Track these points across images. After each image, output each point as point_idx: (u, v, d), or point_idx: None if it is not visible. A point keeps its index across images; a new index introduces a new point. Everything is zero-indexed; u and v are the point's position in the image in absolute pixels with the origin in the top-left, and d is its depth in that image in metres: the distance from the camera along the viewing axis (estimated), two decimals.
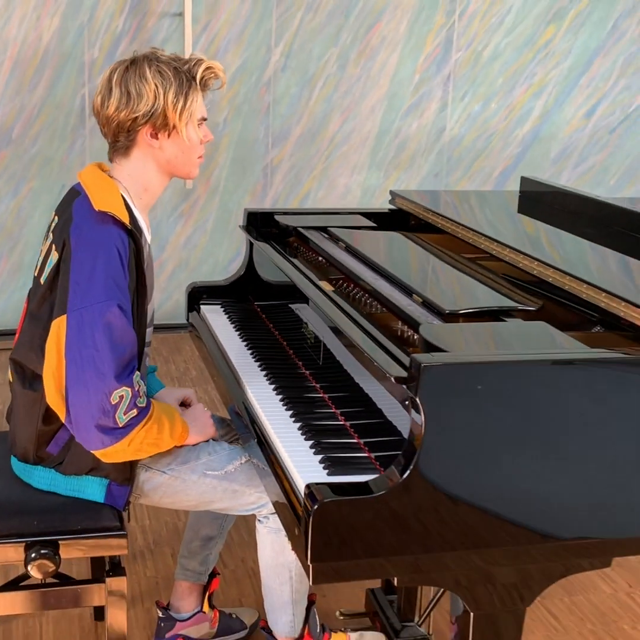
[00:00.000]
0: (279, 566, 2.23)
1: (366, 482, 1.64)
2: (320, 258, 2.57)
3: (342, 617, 2.56)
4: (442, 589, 2.34)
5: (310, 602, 2.35)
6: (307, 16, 5.00)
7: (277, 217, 2.86)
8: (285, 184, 5.22)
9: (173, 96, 2.00)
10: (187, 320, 2.89)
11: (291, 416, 2.07)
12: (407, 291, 2.10)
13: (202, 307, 2.86)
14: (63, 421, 1.96)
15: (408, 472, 1.60)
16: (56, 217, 2.09)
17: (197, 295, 2.89)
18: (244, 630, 2.54)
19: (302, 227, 2.72)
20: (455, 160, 5.40)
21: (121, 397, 1.88)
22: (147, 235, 2.11)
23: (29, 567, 1.97)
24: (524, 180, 3.12)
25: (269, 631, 2.33)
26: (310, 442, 1.93)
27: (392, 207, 3.04)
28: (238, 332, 2.64)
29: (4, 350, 4.74)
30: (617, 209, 2.68)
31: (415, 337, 1.93)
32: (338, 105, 5.17)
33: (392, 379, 1.69)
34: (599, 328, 1.98)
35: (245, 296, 2.90)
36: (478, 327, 1.87)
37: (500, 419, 1.64)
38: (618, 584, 2.91)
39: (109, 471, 2.03)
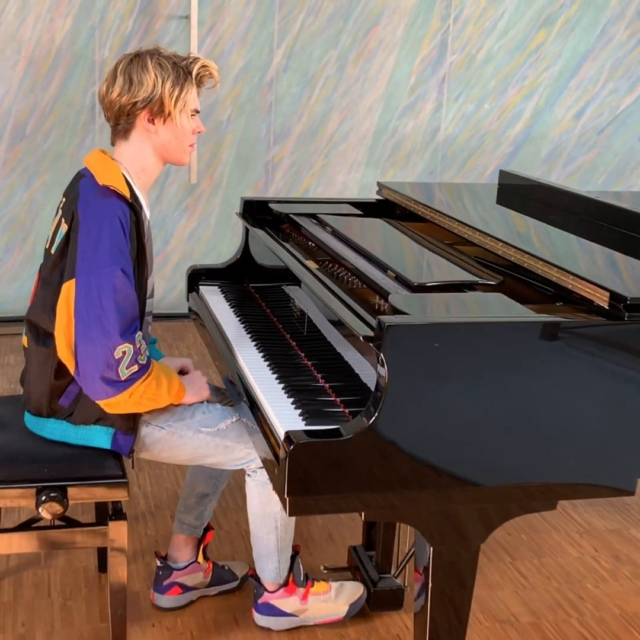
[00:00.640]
0: (266, 516, 2.46)
1: (337, 428, 1.88)
2: (310, 243, 2.80)
3: (325, 571, 2.78)
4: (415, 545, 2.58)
5: (295, 552, 2.58)
6: (308, 19, 5.24)
7: (271, 205, 3.10)
8: (285, 180, 5.46)
9: (170, 85, 2.26)
10: (187, 299, 3.13)
11: (276, 378, 2.30)
12: (383, 268, 2.33)
13: (200, 288, 3.10)
14: (72, 374, 2.21)
15: (373, 418, 1.84)
16: (64, 198, 2.34)
17: (197, 277, 3.13)
18: (235, 581, 2.77)
19: (294, 214, 2.96)
20: (449, 159, 5.62)
21: (124, 352, 2.13)
22: (146, 211, 2.35)
23: (40, 509, 2.20)
24: (502, 174, 3.35)
25: (257, 578, 2.57)
26: (291, 399, 2.16)
27: (379, 197, 3.27)
28: (233, 310, 2.87)
29: (17, 336, 4.98)
30: (583, 199, 2.91)
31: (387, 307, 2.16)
32: (337, 105, 5.40)
33: (361, 337, 1.92)
34: (559, 303, 2.21)
35: (241, 278, 3.14)
36: (440, 297, 2.10)
37: (455, 372, 1.87)
38: (585, 549, 3.14)
39: (114, 420, 2.27)
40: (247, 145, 5.33)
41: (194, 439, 2.36)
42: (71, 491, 2.23)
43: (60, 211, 2.32)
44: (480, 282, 2.21)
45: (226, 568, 2.76)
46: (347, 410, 2.11)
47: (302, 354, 2.47)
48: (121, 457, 2.33)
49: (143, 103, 2.28)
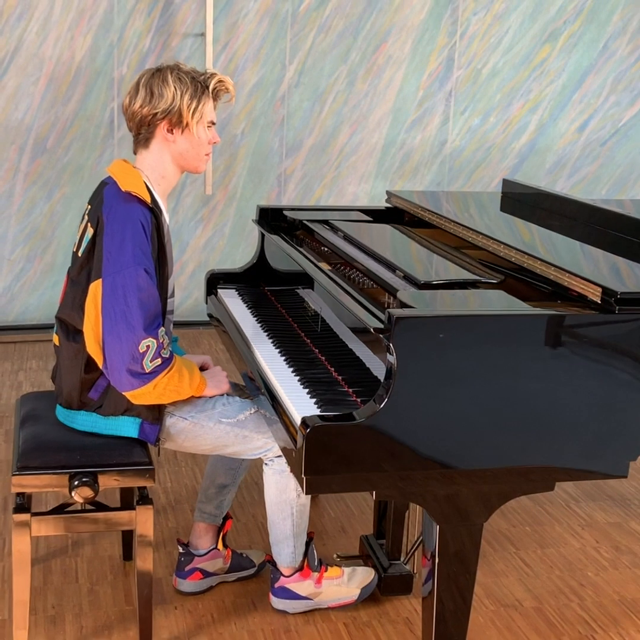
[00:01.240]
0: (282, 503, 2.61)
1: (350, 412, 2.03)
2: (322, 247, 2.96)
3: (338, 559, 2.93)
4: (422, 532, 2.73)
5: (309, 539, 2.73)
6: (319, 37, 5.42)
7: (285, 212, 3.27)
8: (297, 192, 5.63)
9: (188, 98, 2.43)
10: (206, 302, 3.29)
11: (292, 371, 2.46)
12: (392, 268, 2.49)
13: (219, 291, 3.26)
14: (100, 367, 2.38)
15: (384, 402, 1.99)
16: (89, 205, 2.51)
17: (215, 281, 3.29)
18: (253, 568, 2.92)
19: (308, 220, 3.12)
20: (456, 171, 5.79)
21: (148, 346, 2.30)
22: (166, 216, 2.52)
23: (72, 493, 2.36)
24: (505, 183, 3.51)
25: (274, 563, 2.72)
26: (307, 390, 2.32)
27: (388, 205, 3.44)
28: (250, 311, 3.03)
29: (39, 342, 5.16)
30: (582, 206, 3.06)
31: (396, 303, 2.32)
32: (347, 119, 5.58)
33: (372, 329, 2.08)
34: (559, 302, 2.36)
35: (257, 282, 3.30)
36: (445, 293, 2.26)
37: (458, 361, 2.03)
38: (586, 540, 3.28)
39: (141, 411, 2.44)
40: (261, 158, 5.51)
41: (214, 429, 2.52)
42: (101, 478, 2.39)
43: (86, 217, 2.49)
44: (482, 280, 2.37)
45: (244, 556, 2.91)
46: (359, 400, 2.26)
47: (316, 350, 2.63)
48: (147, 445, 2.49)
49: (163, 114, 2.45)
